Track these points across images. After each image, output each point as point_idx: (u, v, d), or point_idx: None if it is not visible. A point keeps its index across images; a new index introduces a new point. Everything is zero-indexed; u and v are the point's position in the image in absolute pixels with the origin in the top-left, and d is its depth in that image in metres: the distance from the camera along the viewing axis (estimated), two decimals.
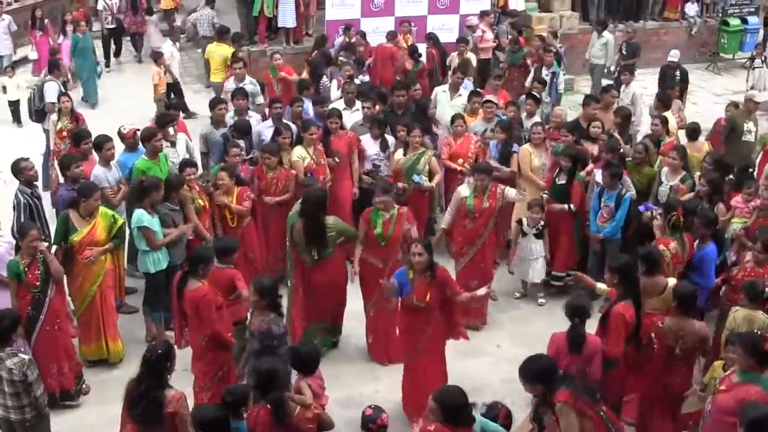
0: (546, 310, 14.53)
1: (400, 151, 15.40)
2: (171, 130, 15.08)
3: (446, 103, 18.09)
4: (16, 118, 22.94)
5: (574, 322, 9.86)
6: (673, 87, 19.94)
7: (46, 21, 26.21)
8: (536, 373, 8.81)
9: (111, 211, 12.80)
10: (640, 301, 10.41)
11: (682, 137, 16.73)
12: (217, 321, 10.68)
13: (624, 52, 23.79)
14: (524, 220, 14.49)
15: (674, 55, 21.75)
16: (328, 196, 13.38)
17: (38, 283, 11.37)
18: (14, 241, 12.35)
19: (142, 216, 12.61)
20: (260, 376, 8.78)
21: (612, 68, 23.84)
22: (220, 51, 21.91)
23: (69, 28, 25.46)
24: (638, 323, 10.27)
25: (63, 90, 18.59)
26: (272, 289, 10.59)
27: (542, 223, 14.37)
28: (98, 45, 26.79)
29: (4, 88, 22.84)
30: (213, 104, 16.35)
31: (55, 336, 11.59)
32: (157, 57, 22.52)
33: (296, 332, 12.57)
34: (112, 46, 28.37)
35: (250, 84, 18.49)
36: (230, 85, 18.48)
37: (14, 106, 22.90)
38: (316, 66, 20.52)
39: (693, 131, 16.75)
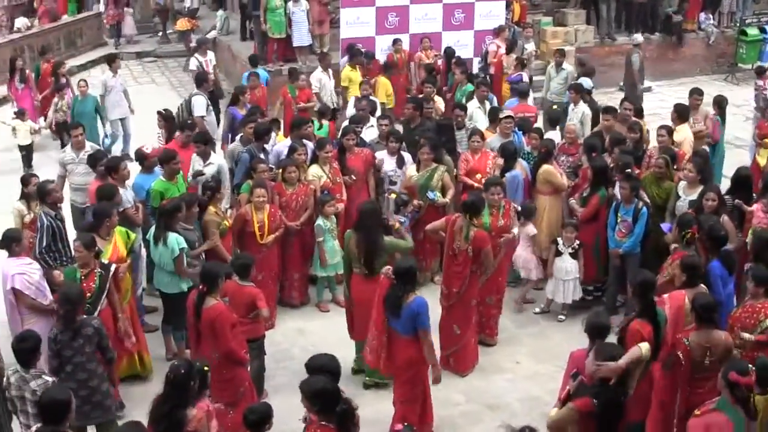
0: (565, 325, 14.50)
1: (413, 168, 15.39)
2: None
3: (483, 118, 18.18)
4: (27, 163, 21.58)
5: (596, 342, 9.82)
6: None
7: (27, 71, 23.64)
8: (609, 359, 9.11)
9: (123, 227, 12.94)
10: (657, 319, 10.29)
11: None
12: (232, 338, 10.77)
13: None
14: (560, 240, 14.53)
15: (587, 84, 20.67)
16: (379, 207, 13.44)
17: (90, 295, 11.52)
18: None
19: (179, 239, 12.75)
20: (317, 395, 8.57)
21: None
22: (352, 75, 21.86)
23: (62, 81, 22.79)
24: (657, 340, 10.18)
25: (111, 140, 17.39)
26: (77, 297, 10.68)
27: (577, 242, 14.38)
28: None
29: (14, 131, 21.60)
30: (244, 122, 16.60)
31: None
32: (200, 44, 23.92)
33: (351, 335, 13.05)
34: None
35: (92, 151, 15.64)
36: (69, 155, 15.93)
37: (26, 150, 21.70)
38: None
39: (680, 113, 16.82)
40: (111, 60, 22.59)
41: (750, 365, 8.80)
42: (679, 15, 29.22)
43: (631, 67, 24.21)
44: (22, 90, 23.24)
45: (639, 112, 17.46)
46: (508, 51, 22.97)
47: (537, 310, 15.03)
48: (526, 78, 21.68)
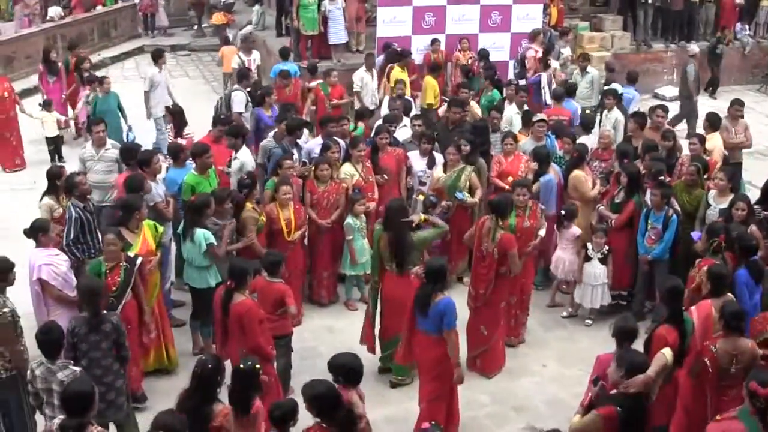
0: (592, 330, 14.45)
1: (440, 169, 15.40)
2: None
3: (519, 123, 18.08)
4: (57, 154, 21.46)
5: (624, 346, 9.77)
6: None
7: (60, 65, 23.43)
8: (631, 368, 9.00)
9: (151, 221, 12.94)
10: (685, 325, 10.28)
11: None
12: (260, 334, 10.81)
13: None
14: (589, 245, 14.47)
15: None
16: (406, 205, 13.43)
17: (114, 289, 11.58)
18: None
19: (206, 234, 12.77)
20: (318, 399, 8.53)
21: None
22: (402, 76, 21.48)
23: (86, 76, 22.10)
24: (683, 347, 10.16)
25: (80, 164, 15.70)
26: (98, 290, 10.66)
27: (607, 248, 14.33)
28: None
29: (43, 124, 21.41)
30: (280, 119, 16.70)
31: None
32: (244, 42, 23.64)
33: (369, 344, 13.02)
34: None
35: (112, 149, 15.67)
36: (89, 152, 15.68)
37: (54, 143, 21.54)
38: None
39: (711, 122, 16.79)
40: (158, 55, 22.17)
41: None
42: (720, 45, 28.69)
43: (686, 78, 23.65)
44: (53, 83, 23.08)
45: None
46: (545, 54, 22.86)
47: (565, 314, 14.99)
48: (545, 80, 21.72)
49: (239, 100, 18.91)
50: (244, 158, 15.50)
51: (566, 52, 24.16)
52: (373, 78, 21.88)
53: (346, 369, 9.23)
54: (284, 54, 22.48)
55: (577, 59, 22.95)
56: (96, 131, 15.76)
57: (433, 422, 8.57)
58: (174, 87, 22.98)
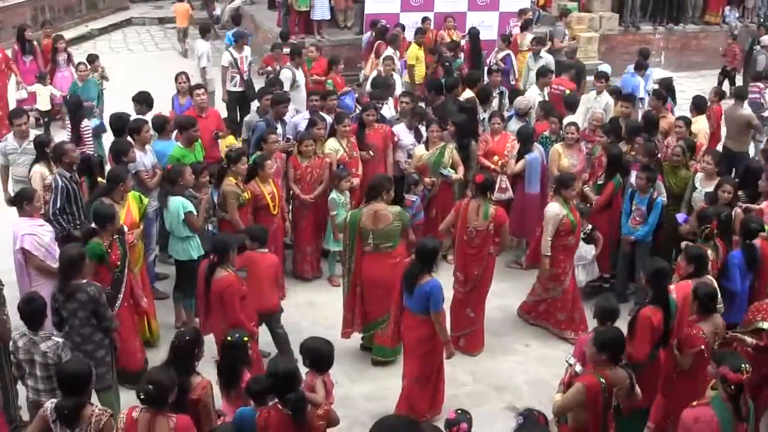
0: None
1: (422, 147, 15.45)
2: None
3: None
4: (47, 129, 20.25)
5: (606, 325, 9.79)
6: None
7: (35, 44, 22.23)
8: (604, 342, 8.98)
9: (136, 192, 12.88)
10: (669, 307, 10.28)
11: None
12: (240, 310, 10.80)
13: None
14: None
15: None
16: (393, 182, 13.30)
17: (119, 263, 11.55)
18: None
19: (185, 203, 12.73)
20: (278, 377, 8.47)
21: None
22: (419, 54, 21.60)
23: (62, 57, 21.71)
24: (667, 329, 10.17)
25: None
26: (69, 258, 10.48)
27: (590, 226, 14.21)
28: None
29: (37, 97, 20.71)
30: (260, 95, 16.74)
31: (132, 313, 11.86)
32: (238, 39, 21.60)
33: (347, 325, 12.87)
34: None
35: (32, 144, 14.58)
36: (11, 144, 14.76)
37: (46, 116, 21.04)
38: None
39: (698, 105, 16.88)
40: (206, 29, 22.20)
41: (744, 364, 8.64)
42: None
43: (754, 68, 23.05)
44: (29, 63, 21.87)
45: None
46: (523, 29, 22.93)
47: None
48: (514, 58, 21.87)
49: (285, 77, 18.81)
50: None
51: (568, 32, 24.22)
52: (396, 57, 20.96)
53: (314, 355, 9.29)
54: (236, 21, 22.88)
55: (531, 43, 22.27)
56: (18, 124, 14.77)
57: (459, 410, 8.50)
58: (162, 59, 22.86)
